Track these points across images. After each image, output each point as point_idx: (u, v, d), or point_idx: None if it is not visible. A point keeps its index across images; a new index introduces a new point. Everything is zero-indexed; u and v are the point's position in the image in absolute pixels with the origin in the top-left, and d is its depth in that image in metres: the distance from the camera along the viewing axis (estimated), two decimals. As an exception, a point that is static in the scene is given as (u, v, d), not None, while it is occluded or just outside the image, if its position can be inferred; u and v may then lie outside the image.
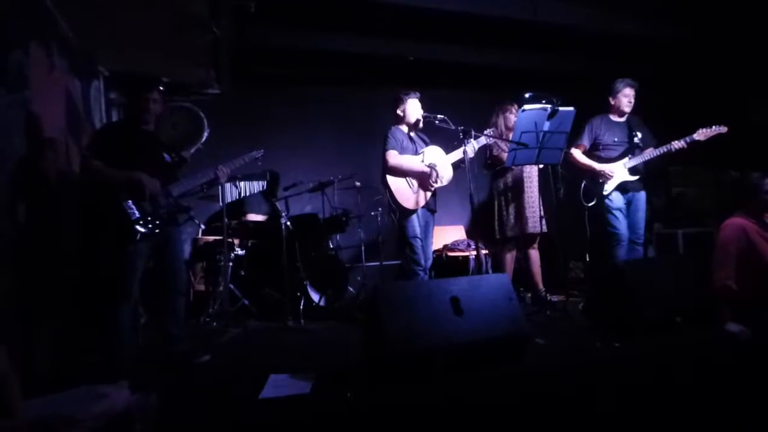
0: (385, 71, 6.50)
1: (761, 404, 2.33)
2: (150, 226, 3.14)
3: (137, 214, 3.10)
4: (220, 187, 4.45)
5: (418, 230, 4.23)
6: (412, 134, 4.44)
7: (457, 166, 4.41)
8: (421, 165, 4.28)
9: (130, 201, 3.10)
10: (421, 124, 4.37)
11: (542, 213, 4.72)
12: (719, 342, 3.18)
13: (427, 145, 4.45)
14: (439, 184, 4.33)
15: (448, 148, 4.40)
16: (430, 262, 4.42)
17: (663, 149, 4.45)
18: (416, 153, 4.36)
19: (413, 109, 4.35)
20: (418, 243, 4.21)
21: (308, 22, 5.43)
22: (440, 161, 4.32)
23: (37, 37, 3.26)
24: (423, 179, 4.28)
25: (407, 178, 4.28)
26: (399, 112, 4.40)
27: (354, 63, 6.34)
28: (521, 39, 5.94)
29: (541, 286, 4.87)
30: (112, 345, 3.09)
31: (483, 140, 4.42)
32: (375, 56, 6.10)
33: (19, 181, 2.82)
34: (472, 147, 4.20)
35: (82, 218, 3.46)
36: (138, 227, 3.08)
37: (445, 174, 4.33)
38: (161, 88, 3.43)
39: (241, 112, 6.14)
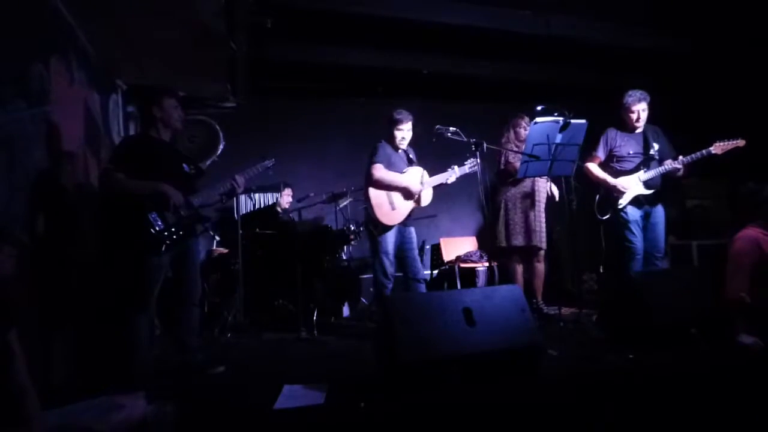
0: (398, 84, 6.53)
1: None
2: (174, 237, 3.14)
3: (161, 226, 3.11)
4: (235, 199, 4.50)
5: (390, 247, 4.33)
6: (399, 151, 4.50)
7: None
8: (406, 180, 4.36)
9: (154, 213, 3.10)
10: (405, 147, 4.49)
11: (546, 228, 4.72)
12: (733, 353, 3.17)
13: (412, 164, 4.52)
14: (419, 205, 4.43)
15: (461, 160, 4.44)
16: (421, 273, 4.47)
17: (679, 162, 4.32)
18: (401, 171, 4.43)
19: (403, 133, 4.42)
20: (386, 259, 4.30)
21: (322, 37, 5.49)
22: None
23: (58, 52, 3.33)
24: (406, 194, 4.36)
25: (388, 194, 4.33)
26: (395, 131, 4.43)
27: (367, 76, 6.39)
28: (535, 53, 5.93)
29: (539, 297, 4.84)
30: (130, 355, 3.10)
31: (467, 168, 4.46)
32: (388, 70, 6.13)
33: (38, 194, 2.87)
34: (454, 174, 4.40)
35: (106, 230, 3.47)
36: (162, 239, 3.10)
37: (424, 196, 4.44)
38: (179, 99, 3.47)
39: (256, 125, 6.22)
